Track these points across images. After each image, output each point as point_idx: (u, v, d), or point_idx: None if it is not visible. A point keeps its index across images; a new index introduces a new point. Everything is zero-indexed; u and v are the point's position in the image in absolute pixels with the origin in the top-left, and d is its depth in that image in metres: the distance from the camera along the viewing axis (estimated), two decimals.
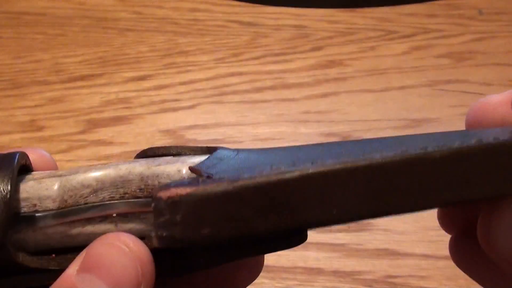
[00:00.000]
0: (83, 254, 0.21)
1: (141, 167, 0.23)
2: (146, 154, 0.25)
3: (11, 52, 0.69)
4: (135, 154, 0.26)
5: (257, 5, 0.73)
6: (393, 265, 0.48)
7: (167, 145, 0.25)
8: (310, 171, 0.20)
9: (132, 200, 0.23)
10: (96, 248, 0.21)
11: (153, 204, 0.21)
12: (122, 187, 0.23)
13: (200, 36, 0.70)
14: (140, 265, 0.21)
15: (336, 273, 0.49)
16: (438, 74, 0.64)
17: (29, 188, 0.23)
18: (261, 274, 0.52)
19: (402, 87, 0.63)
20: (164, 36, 0.70)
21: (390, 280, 0.48)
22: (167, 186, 0.21)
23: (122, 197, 0.23)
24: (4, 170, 0.22)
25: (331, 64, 0.66)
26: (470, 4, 0.72)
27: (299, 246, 0.25)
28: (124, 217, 0.22)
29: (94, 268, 0.20)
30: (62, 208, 0.22)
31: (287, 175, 0.20)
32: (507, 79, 0.62)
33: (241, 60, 0.67)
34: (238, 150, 0.24)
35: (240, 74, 0.65)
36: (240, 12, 0.73)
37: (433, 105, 0.61)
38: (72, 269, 0.21)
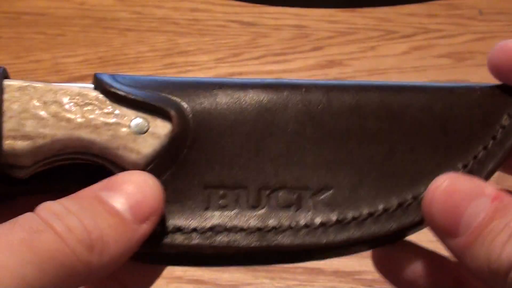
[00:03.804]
0: (106, 179, 0.24)
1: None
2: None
3: (11, 52, 0.69)
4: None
5: (257, 5, 0.73)
6: None
7: None
8: None
9: None
10: (121, 175, 0.24)
11: None
12: None
13: (200, 36, 0.70)
14: (157, 199, 0.24)
15: (336, 273, 0.49)
16: (438, 74, 0.64)
17: None
18: (262, 274, 0.53)
19: None
20: (164, 36, 0.70)
21: None
22: None
23: None
24: None
25: (331, 64, 0.66)
26: (470, 4, 0.72)
27: None
28: None
29: (117, 189, 0.23)
30: None
31: None
32: None
33: (241, 60, 0.67)
34: None
35: (240, 74, 0.65)
36: (240, 12, 0.73)
37: None
38: (96, 187, 0.24)
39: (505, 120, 0.27)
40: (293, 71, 0.65)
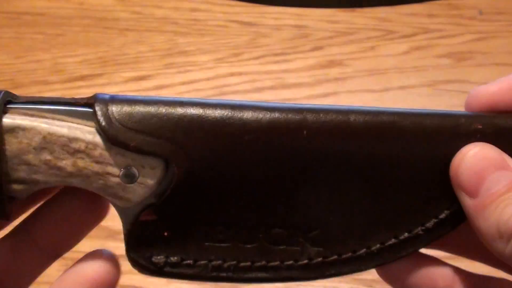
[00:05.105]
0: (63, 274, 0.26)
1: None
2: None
3: (11, 52, 0.69)
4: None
5: (257, 5, 0.73)
6: None
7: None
8: None
9: None
10: (73, 271, 0.26)
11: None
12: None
13: (200, 36, 0.70)
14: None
15: None
16: (438, 74, 0.64)
17: None
18: None
19: (402, 87, 0.63)
20: (164, 36, 0.70)
21: None
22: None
23: None
24: None
25: (331, 64, 0.66)
26: (470, 4, 0.72)
27: None
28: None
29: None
30: None
31: None
32: None
33: (241, 60, 0.67)
34: None
35: (240, 74, 0.65)
36: (240, 12, 0.73)
37: (433, 105, 0.61)
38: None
39: None
40: (293, 71, 0.65)
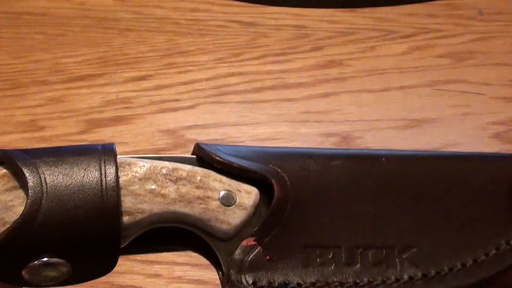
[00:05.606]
0: None
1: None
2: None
3: (11, 52, 0.69)
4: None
5: (257, 5, 0.73)
6: None
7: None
8: None
9: None
10: None
11: None
12: None
13: (200, 36, 0.70)
14: None
15: None
16: (438, 74, 0.64)
17: None
18: None
19: (402, 87, 0.63)
20: (164, 36, 0.70)
21: None
22: None
23: None
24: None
25: (331, 64, 0.66)
26: (470, 4, 0.72)
27: None
28: None
29: None
30: None
31: None
32: (507, 79, 0.62)
33: (241, 60, 0.67)
34: None
35: (240, 74, 0.65)
36: (240, 12, 0.73)
37: (433, 105, 0.61)
38: None
39: None
40: (293, 71, 0.65)
